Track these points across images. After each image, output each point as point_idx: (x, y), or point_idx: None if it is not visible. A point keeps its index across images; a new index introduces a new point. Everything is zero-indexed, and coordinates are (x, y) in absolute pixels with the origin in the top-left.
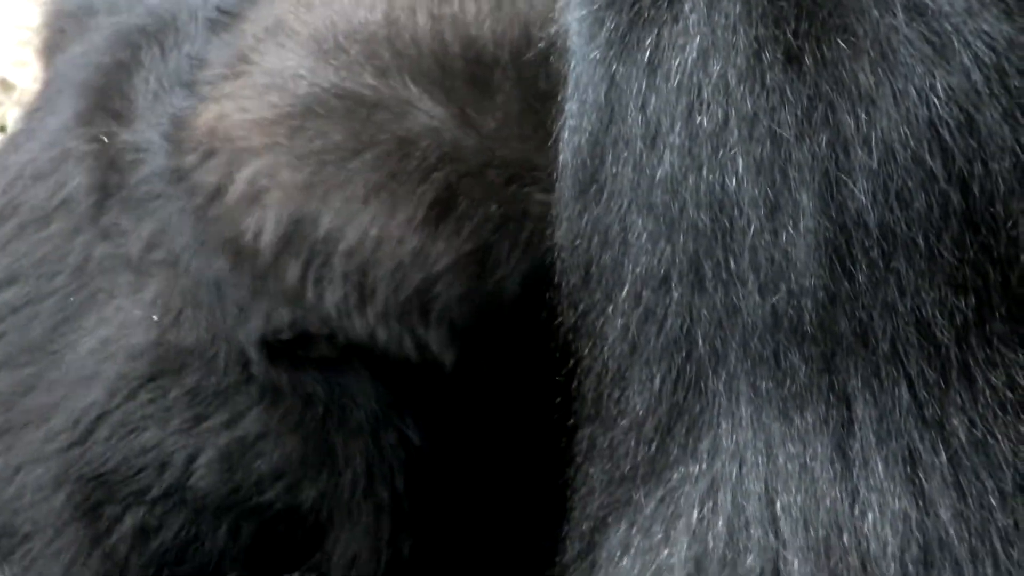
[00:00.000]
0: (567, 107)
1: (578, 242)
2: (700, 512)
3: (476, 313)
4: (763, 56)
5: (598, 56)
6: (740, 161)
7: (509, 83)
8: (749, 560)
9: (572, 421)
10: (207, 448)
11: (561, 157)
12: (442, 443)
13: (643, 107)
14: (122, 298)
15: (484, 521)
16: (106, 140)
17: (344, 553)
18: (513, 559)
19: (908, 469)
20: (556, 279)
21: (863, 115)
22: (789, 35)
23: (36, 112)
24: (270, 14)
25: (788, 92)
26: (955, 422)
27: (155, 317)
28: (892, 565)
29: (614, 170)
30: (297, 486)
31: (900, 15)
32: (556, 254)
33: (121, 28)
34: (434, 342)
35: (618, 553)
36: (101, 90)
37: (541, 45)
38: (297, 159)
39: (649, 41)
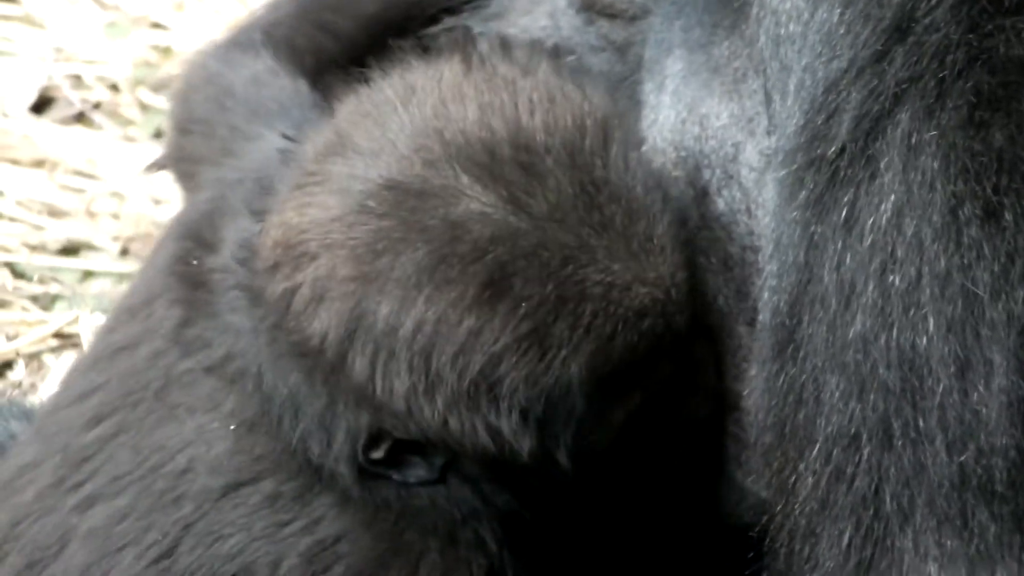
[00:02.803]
0: (767, 268)
1: (774, 401)
2: None
3: (546, 399)
4: (960, 212)
5: (797, 217)
6: (931, 320)
7: (561, 169)
8: None
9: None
10: (289, 554)
11: (760, 317)
12: (528, 546)
13: (838, 267)
14: (201, 413)
15: None
16: (195, 263)
17: None
18: None
19: None
20: (753, 438)
21: None
22: (989, 190)
23: (148, 260)
24: (330, 129)
25: (985, 248)
26: None
27: (232, 427)
28: None
29: (810, 330)
30: None
31: None
32: (753, 414)
33: (221, 182)
34: (506, 427)
35: None
36: (197, 230)
37: (596, 135)
38: (352, 253)
39: (846, 200)
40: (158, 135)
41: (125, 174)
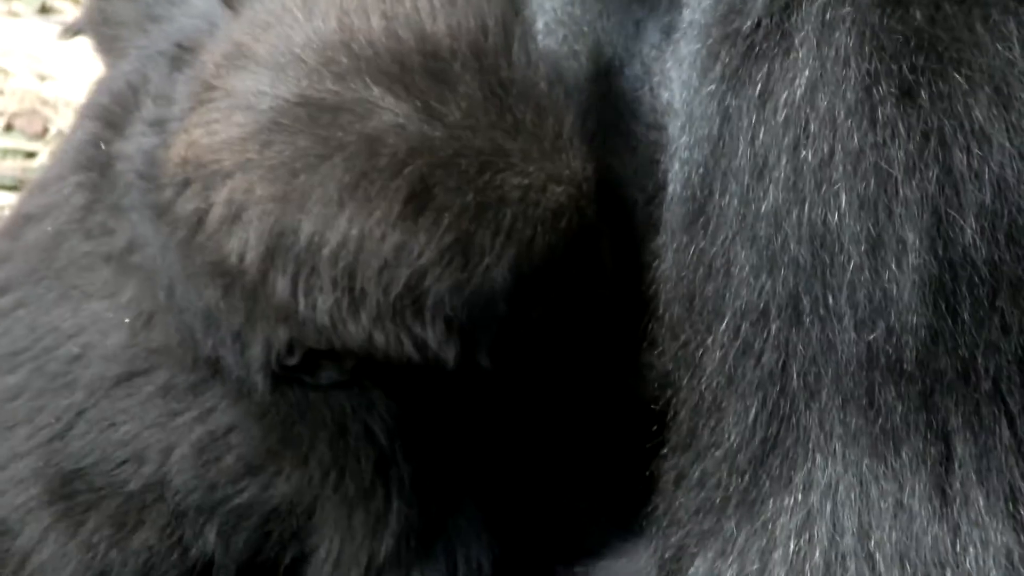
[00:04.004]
0: (679, 140)
1: (683, 273)
2: (796, 544)
3: (470, 306)
4: (875, 90)
5: (712, 90)
6: (843, 196)
7: (469, 73)
8: None
9: (663, 450)
10: (181, 443)
11: (670, 188)
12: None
13: (752, 141)
14: (97, 300)
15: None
16: (102, 147)
17: (327, 552)
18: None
19: (1010, 505)
20: (659, 310)
21: (976, 150)
22: (906, 69)
23: (69, 133)
24: (228, 41)
25: (900, 127)
26: None
27: (127, 320)
28: None
29: (722, 203)
30: (270, 483)
31: (1017, 50)
32: (660, 285)
33: (144, 53)
34: (432, 339)
35: None
36: (109, 111)
37: (498, 35)
38: (269, 172)
39: (760, 75)
40: (42, 10)
41: (9, 50)
